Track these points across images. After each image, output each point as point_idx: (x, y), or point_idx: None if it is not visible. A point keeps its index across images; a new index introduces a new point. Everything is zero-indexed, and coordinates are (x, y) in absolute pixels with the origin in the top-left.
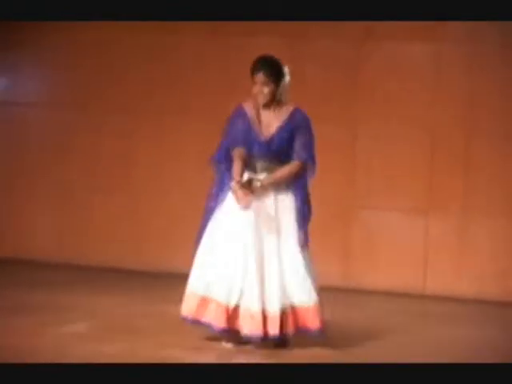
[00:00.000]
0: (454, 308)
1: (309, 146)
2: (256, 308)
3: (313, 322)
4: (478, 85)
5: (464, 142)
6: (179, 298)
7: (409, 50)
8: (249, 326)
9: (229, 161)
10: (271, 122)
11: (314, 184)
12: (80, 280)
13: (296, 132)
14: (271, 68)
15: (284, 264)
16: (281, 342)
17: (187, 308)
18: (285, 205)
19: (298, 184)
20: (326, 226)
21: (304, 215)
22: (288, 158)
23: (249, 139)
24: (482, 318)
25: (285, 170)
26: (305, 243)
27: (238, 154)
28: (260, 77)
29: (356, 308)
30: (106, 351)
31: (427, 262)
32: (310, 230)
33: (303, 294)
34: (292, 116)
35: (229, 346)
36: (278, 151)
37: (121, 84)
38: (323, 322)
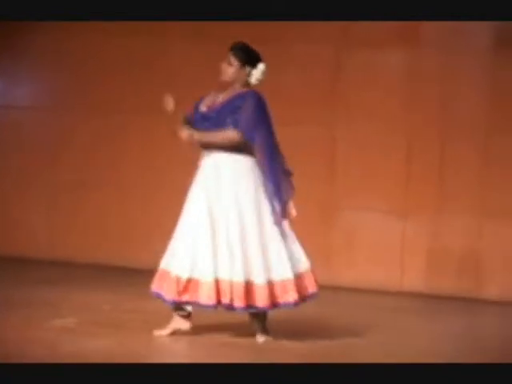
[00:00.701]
0: (429, 304)
1: (248, 119)
2: (235, 278)
3: (293, 294)
4: (452, 89)
5: (439, 146)
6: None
7: (385, 54)
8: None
9: None
10: (221, 99)
11: (296, 186)
12: (69, 276)
13: (241, 108)
14: (242, 51)
15: (264, 239)
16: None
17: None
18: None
19: (267, 170)
20: (306, 225)
21: (278, 196)
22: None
23: (196, 117)
24: (456, 313)
25: (218, 133)
26: (281, 220)
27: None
28: (229, 56)
29: (336, 304)
30: (94, 346)
31: (404, 261)
32: (292, 228)
33: (280, 268)
34: (243, 94)
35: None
36: (216, 122)
37: (111, 83)
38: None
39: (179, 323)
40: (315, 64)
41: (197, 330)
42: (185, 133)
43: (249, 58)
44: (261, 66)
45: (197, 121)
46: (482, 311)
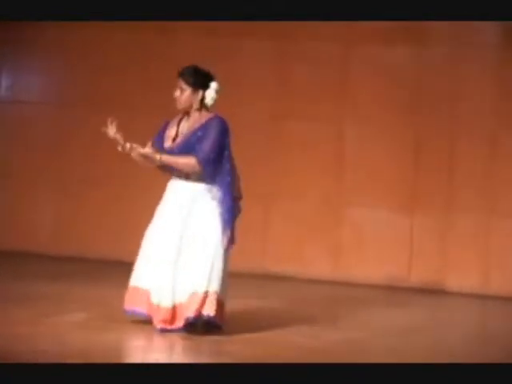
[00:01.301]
0: (437, 300)
1: (208, 147)
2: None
3: (207, 309)
4: (460, 85)
5: (448, 143)
6: None
7: (393, 51)
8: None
9: None
10: (185, 131)
11: (301, 181)
12: (78, 272)
13: (203, 138)
14: (191, 75)
15: (196, 255)
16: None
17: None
18: (208, 208)
19: (222, 191)
20: (315, 222)
21: (228, 219)
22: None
23: (160, 147)
24: (463, 308)
25: (181, 158)
26: (229, 244)
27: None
28: (179, 81)
29: (343, 300)
30: (104, 340)
31: (412, 257)
32: (305, 226)
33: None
34: (205, 125)
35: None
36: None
37: (117, 79)
38: (217, 312)
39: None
40: (324, 61)
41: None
42: (148, 150)
43: (198, 80)
44: (213, 86)
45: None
46: (490, 306)
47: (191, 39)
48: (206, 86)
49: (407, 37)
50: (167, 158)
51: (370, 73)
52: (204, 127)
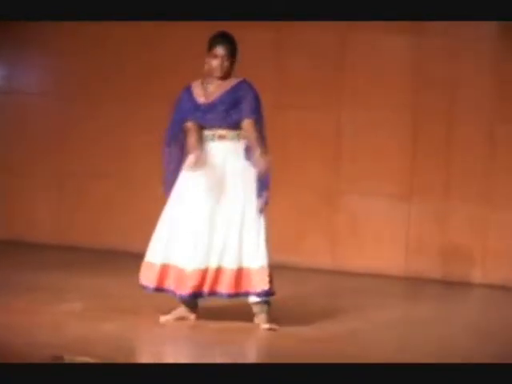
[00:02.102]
0: (435, 289)
1: (255, 109)
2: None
3: (260, 284)
4: (458, 74)
5: (445, 131)
6: None
7: (391, 38)
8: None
9: (181, 138)
10: (216, 91)
11: (299, 170)
12: (77, 262)
13: (241, 99)
14: (232, 43)
15: (244, 227)
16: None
17: (146, 277)
18: (243, 172)
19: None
20: (312, 210)
21: (264, 181)
22: (231, 123)
23: (192, 107)
24: (461, 299)
25: (249, 137)
26: (263, 208)
27: (190, 126)
28: (222, 50)
29: (341, 289)
30: (101, 330)
31: (409, 245)
32: (302, 214)
33: (254, 257)
34: (237, 85)
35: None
36: (220, 115)
37: (118, 72)
38: (271, 285)
39: (184, 312)
40: (322, 49)
41: (202, 315)
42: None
43: (236, 47)
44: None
45: (194, 112)
46: (488, 296)
47: (190, 31)
48: (237, 53)
49: (405, 26)
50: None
51: (368, 61)
52: (240, 89)
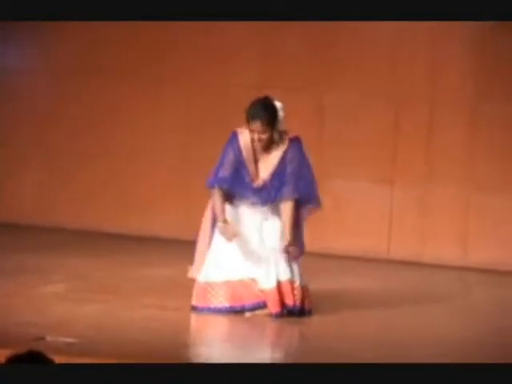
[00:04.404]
0: (416, 272)
1: (304, 180)
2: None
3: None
4: (440, 57)
5: (427, 114)
6: (158, 262)
7: (372, 23)
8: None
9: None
10: (266, 164)
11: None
12: (61, 243)
13: (286, 170)
14: (268, 114)
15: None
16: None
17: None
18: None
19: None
20: None
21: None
22: (287, 197)
23: (239, 182)
24: (441, 282)
25: (287, 219)
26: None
27: (218, 194)
28: (257, 126)
29: (324, 272)
30: (84, 311)
31: (391, 229)
32: None
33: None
34: (286, 152)
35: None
36: (271, 196)
37: (110, 50)
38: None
39: None
40: (304, 31)
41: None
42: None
43: (274, 114)
44: (279, 107)
45: (244, 192)
46: (469, 279)
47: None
48: (277, 115)
49: None
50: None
51: (351, 44)
52: (286, 156)
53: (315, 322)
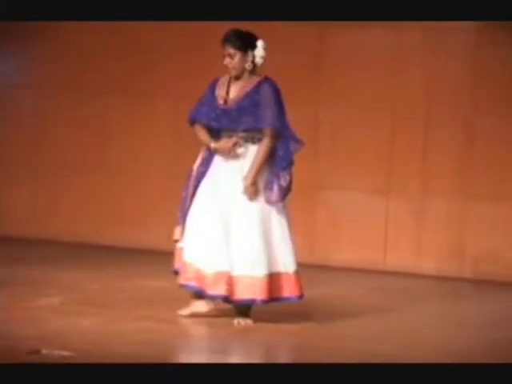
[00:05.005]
0: (412, 283)
1: (275, 113)
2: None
3: (292, 290)
4: (436, 68)
5: (423, 125)
6: (153, 274)
7: (368, 35)
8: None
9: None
10: (236, 92)
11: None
12: (56, 256)
13: (261, 102)
14: (237, 39)
15: (271, 230)
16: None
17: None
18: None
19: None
20: (290, 205)
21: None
22: (249, 127)
23: (210, 108)
24: (439, 293)
25: (260, 152)
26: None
27: (200, 127)
28: (226, 48)
29: (320, 283)
30: (80, 325)
31: (387, 240)
32: None
33: (285, 262)
34: (258, 86)
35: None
36: (237, 119)
37: (97, 66)
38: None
39: (198, 306)
40: (298, 44)
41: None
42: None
43: (246, 41)
44: (260, 44)
45: (214, 116)
46: (464, 290)
47: (172, 25)
48: (254, 46)
49: (382, 22)
50: (254, 169)
51: (345, 56)
52: (256, 91)
53: (312, 333)
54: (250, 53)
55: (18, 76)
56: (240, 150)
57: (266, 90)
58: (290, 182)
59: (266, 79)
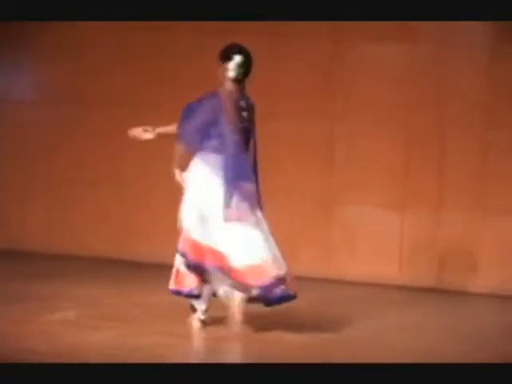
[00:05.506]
0: (428, 297)
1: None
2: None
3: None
4: (450, 82)
5: (438, 140)
6: (165, 289)
7: (383, 48)
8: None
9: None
10: None
11: (294, 181)
12: (70, 270)
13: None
14: (219, 51)
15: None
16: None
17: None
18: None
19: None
20: (305, 219)
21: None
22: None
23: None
24: (453, 307)
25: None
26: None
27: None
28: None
29: (335, 297)
30: (95, 339)
31: (402, 255)
32: (295, 224)
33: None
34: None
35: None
36: None
37: (111, 79)
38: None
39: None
40: (314, 58)
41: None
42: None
43: (222, 54)
44: (237, 58)
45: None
46: (479, 304)
47: (184, 38)
48: (228, 59)
49: (397, 34)
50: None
51: (360, 71)
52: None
53: (322, 347)
54: (223, 65)
55: (31, 91)
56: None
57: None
58: None
59: (210, 92)
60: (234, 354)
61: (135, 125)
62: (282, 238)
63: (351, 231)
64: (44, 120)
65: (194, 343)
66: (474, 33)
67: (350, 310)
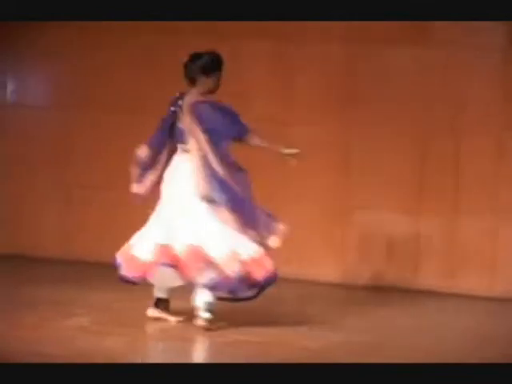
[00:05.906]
0: (443, 303)
1: None
2: None
3: None
4: (465, 86)
5: (454, 145)
6: (179, 293)
7: (397, 54)
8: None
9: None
10: None
11: (309, 185)
12: (82, 275)
13: None
14: None
15: None
16: None
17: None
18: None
19: None
20: (321, 225)
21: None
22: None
23: None
24: (469, 312)
25: None
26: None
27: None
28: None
29: (350, 303)
30: (108, 344)
31: (418, 261)
32: (311, 229)
33: None
34: None
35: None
36: None
37: (119, 84)
38: None
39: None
40: (328, 64)
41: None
42: None
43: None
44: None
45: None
46: (496, 309)
47: (192, 40)
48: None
49: (410, 38)
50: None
51: (375, 76)
52: None
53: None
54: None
55: (43, 97)
56: None
57: None
58: None
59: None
60: (244, 357)
61: (147, 130)
62: (297, 242)
63: (367, 237)
64: (56, 125)
65: (205, 346)
66: (488, 35)
67: (363, 316)
